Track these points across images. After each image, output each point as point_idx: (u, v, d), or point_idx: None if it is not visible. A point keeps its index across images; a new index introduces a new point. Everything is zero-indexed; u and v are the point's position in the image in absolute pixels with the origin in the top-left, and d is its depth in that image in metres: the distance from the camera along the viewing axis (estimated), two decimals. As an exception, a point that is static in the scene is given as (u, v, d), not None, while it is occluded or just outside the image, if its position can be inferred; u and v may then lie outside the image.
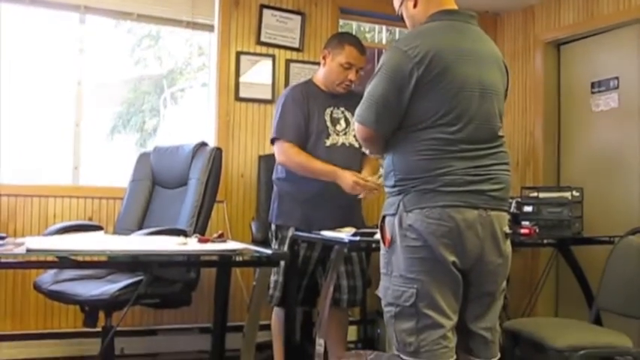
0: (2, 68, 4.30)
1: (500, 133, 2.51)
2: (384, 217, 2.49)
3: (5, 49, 4.34)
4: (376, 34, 5.59)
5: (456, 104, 2.38)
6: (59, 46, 4.50)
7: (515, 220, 3.83)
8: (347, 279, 3.56)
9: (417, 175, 2.38)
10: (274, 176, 3.69)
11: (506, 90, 2.64)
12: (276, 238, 3.62)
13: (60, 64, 4.50)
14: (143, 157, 4.08)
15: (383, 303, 2.49)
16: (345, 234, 3.11)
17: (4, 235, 2.37)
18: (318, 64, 3.71)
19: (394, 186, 2.45)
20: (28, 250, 2.20)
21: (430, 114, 2.38)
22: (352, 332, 4.63)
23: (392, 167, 2.48)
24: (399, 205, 2.40)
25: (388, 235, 2.44)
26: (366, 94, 2.48)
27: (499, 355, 2.62)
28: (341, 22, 5.08)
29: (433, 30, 2.48)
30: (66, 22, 4.50)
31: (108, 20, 4.65)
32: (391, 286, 2.43)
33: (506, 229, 2.48)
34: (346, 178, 3.35)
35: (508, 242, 2.50)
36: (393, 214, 2.42)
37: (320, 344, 3.30)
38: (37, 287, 3.42)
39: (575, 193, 3.85)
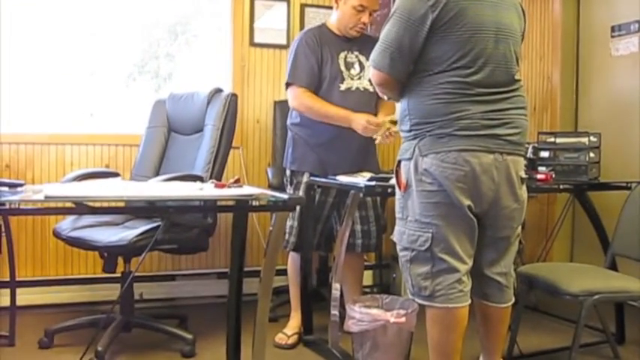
0: (18, 19, 4.28)
1: (517, 77, 2.48)
2: (399, 162, 2.49)
3: (19, 2, 4.31)
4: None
5: (472, 47, 2.35)
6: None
7: (532, 165, 3.81)
8: (361, 224, 3.58)
9: (432, 119, 2.37)
10: (288, 121, 3.69)
11: (523, 34, 2.60)
12: (291, 184, 3.64)
13: (75, 12, 4.47)
14: (158, 104, 4.08)
15: (398, 247, 2.51)
16: (361, 179, 3.11)
17: (22, 182, 2.39)
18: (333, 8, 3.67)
19: (409, 130, 2.45)
20: (47, 197, 2.22)
21: (446, 57, 2.36)
22: (368, 277, 4.66)
23: (407, 112, 2.47)
24: (414, 149, 2.40)
25: (404, 180, 2.45)
26: (380, 38, 2.46)
27: (513, 300, 2.64)
28: (356, -36, 4.99)
29: None
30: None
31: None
32: (407, 230, 2.45)
33: (522, 174, 2.48)
34: (359, 120, 3.33)
35: (524, 187, 2.50)
36: (409, 159, 2.42)
37: (336, 288, 3.33)
38: (56, 234, 3.46)
39: (592, 139, 3.82)
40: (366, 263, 3.99)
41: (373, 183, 2.96)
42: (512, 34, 2.47)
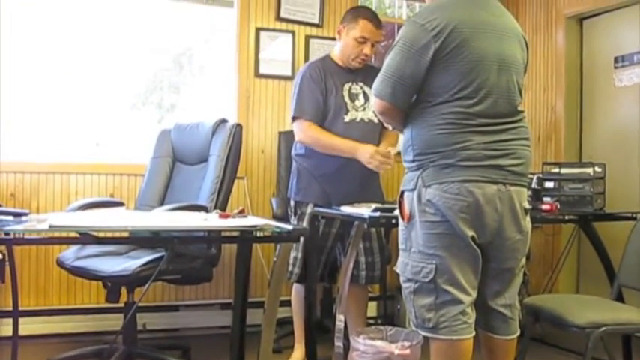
0: (24, 48, 4.31)
1: (519, 108, 2.49)
2: (402, 193, 2.49)
3: (27, 27, 4.35)
4: (396, 9, 5.54)
5: (475, 77, 2.36)
6: (80, 25, 4.50)
7: (537, 196, 3.81)
8: (365, 255, 3.56)
9: (435, 149, 2.37)
10: (293, 152, 3.69)
11: (525, 65, 2.61)
12: (294, 214, 3.63)
13: (80, 42, 4.51)
14: (164, 134, 4.09)
15: (402, 279, 2.50)
16: (366, 210, 3.11)
17: (27, 211, 2.39)
18: (337, 39, 3.70)
19: (413, 161, 2.45)
20: (51, 227, 2.22)
21: (448, 87, 2.37)
22: (372, 308, 4.64)
23: (410, 142, 2.47)
24: (417, 180, 2.40)
25: (407, 211, 2.44)
26: (383, 67, 2.47)
27: (519, 332, 2.62)
28: (360, -2, 5.04)
29: (451, 3, 2.46)
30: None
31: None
32: (410, 261, 2.44)
33: (526, 205, 2.47)
34: (365, 151, 3.34)
35: (528, 218, 2.49)
36: (412, 190, 2.41)
37: (340, 320, 3.31)
38: (60, 263, 3.45)
39: (597, 169, 3.82)
40: (370, 294, 3.97)
41: (378, 214, 2.95)
42: (514, 65, 2.48)
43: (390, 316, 4.68)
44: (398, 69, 2.41)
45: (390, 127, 2.71)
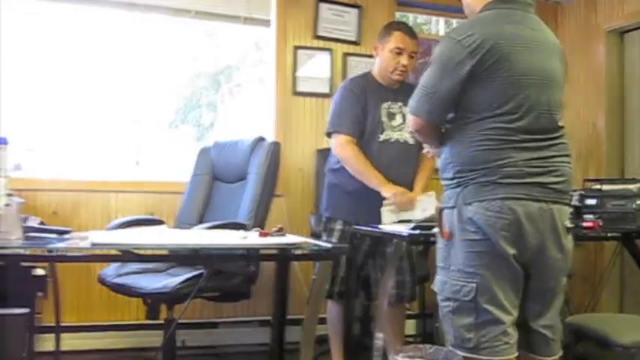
0: (66, 68, 4.40)
1: (560, 124, 2.45)
2: (441, 210, 2.46)
3: (70, 49, 4.44)
4: (433, 26, 5.54)
5: (515, 93, 2.33)
6: (120, 45, 4.58)
7: (578, 213, 3.75)
8: (395, 274, 3.54)
9: (476, 166, 2.35)
10: (327, 167, 3.70)
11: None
12: (325, 230, 3.64)
13: (120, 62, 4.58)
14: (203, 152, 4.13)
15: (440, 297, 2.46)
16: (403, 227, 3.09)
17: (69, 229, 2.43)
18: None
19: (452, 178, 2.42)
20: (93, 244, 2.25)
21: (488, 104, 2.35)
22: (411, 326, 4.61)
23: (450, 159, 2.45)
24: (457, 197, 2.37)
25: (447, 229, 2.41)
26: (419, 85, 2.46)
27: (561, 353, 2.56)
28: (397, 14, 5.04)
29: (489, 18, 2.43)
30: (125, 20, 4.57)
31: (166, 17, 4.71)
32: (449, 280, 2.40)
33: (568, 224, 2.42)
34: (390, 190, 3.36)
35: (569, 237, 2.45)
36: (452, 207, 2.39)
37: (379, 338, 3.29)
38: (101, 280, 3.49)
39: (640, 185, 3.75)
40: (408, 312, 3.94)
41: (417, 232, 2.94)
42: (556, 80, 2.45)
43: (428, 335, 4.63)
44: (434, 86, 2.40)
45: (424, 145, 2.70)
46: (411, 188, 3.50)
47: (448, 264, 2.42)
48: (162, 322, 3.45)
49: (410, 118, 2.52)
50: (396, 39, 3.51)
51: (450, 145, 2.47)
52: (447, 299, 2.42)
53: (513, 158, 2.31)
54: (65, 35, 4.48)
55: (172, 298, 3.22)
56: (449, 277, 2.41)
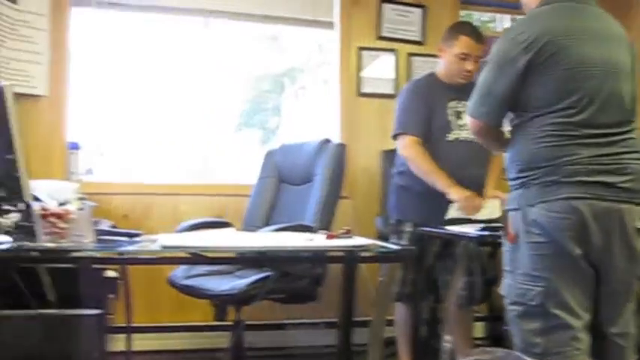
0: (135, 74, 4.49)
1: (630, 118, 2.36)
2: (506, 212, 2.41)
3: (139, 54, 4.53)
4: (498, 23, 5.46)
5: (576, 85, 2.25)
6: (186, 50, 4.66)
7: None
8: (464, 275, 3.49)
9: (537, 165, 2.27)
10: (394, 169, 3.68)
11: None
12: (394, 232, 3.61)
13: (186, 67, 4.66)
14: (270, 155, 4.16)
15: (506, 301, 2.40)
16: (472, 228, 3.05)
17: (140, 232, 2.48)
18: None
19: (516, 178, 2.36)
20: (163, 247, 2.29)
21: (547, 99, 2.27)
22: (479, 329, 4.54)
23: (512, 158, 2.40)
24: (521, 199, 2.31)
25: (512, 231, 2.35)
26: (476, 86, 2.43)
27: (635, 360, 2.48)
28: (462, 12, 4.98)
29: (544, 13, 2.37)
30: (191, 26, 4.65)
31: (231, 22, 4.76)
32: (515, 284, 2.34)
33: (638, 225, 2.33)
34: (457, 194, 3.31)
35: None
36: (516, 209, 2.33)
37: (447, 341, 3.26)
38: (171, 282, 3.55)
39: None
40: (476, 315, 3.89)
41: (486, 232, 2.89)
42: (622, 71, 2.35)
43: (497, 338, 4.55)
44: (489, 86, 2.37)
45: (485, 146, 2.66)
46: (481, 189, 3.45)
47: (514, 267, 2.36)
48: (230, 323, 3.49)
49: (468, 120, 2.49)
50: (461, 44, 3.46)
51: (512, 144, 2.42)
52: (514, 303, 2.36)
53: (577, 155, 2.23)
54: (134, 40, 4.57)
55: (240, 299, 3.26)
56: (515, 280, 2.35)
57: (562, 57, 2.26)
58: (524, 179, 2.32)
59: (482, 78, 2.41)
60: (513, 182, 2.39)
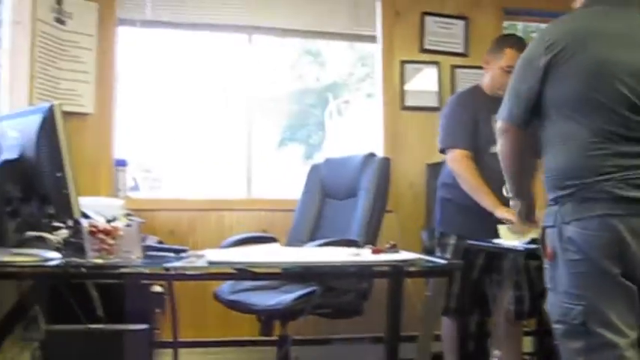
0: (179, 91, 4.55)
1: None
2: (544, 229, 2.36)
3: (181, 73, 4.59)
4: (543, 33, 5.39)
5: (599, 91, 2.17)
6: (229, 66, 4.70)
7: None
8: (513, 289, 3.44)
9: (571, 179, 2.19)
10: (440, 180, 3.66)
11: None
12: (438, 245, 3.59)
13: (230, 83, 4.70)
14: (314, 169, 4.16)
15: (551, 319, 2.35)
16: (519, 241, 3.00)
17: (186, 248, 2.49)
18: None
19: (550, 192, 2.31)
20: (210, 263, 2.30)
21: (569, 103, 2.21)
22: (528, 343, 4.46)
23: (546, 173, 2.35)
24: (556, 216, 2.25)
25: (549, 249, 2.30)
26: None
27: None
28: (505, 23, 4.95)
29: (576, 16, 2.34)
30: (235, 43, 4.69)
31: (273, 38, 4.80)
32: (557, 302, 2.28)
33: None
34: (503, 214, 3.25)
35: None
36: (552, 226, 2.28)
37: (496, 356, 3.21)
38: (217, 297, 3.57)
39: None
40: (525, 329, 3.82)
41: (534, 246, 2.84)
42: None
43: (547, 353, 4.47)
44: (514, 87, 2.35)
45: (503, 152, 2.56)
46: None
47: (554, 285, 2.30)
48: (275, 338, 3.49)
49: (497, 124, 2.46)
50: (507, 57, 3.43)
51: (543, 154, 2.38)
52: (557, 322, 2.29)
53: (611, 168, 2.15)
54: (178, 58, 4.63)
55: (286, 314, 3.27)
56: (557, 298, 2.28)
57: (583, 60, 2.19)
58: (557, 196, 2.26)
59: (510, 81, 2.40)
60: (549, 197, 2.33)
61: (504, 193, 2.69)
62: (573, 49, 2.21)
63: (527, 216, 2.71)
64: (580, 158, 2.20)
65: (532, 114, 2.34)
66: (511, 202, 2.72)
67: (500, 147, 2.50)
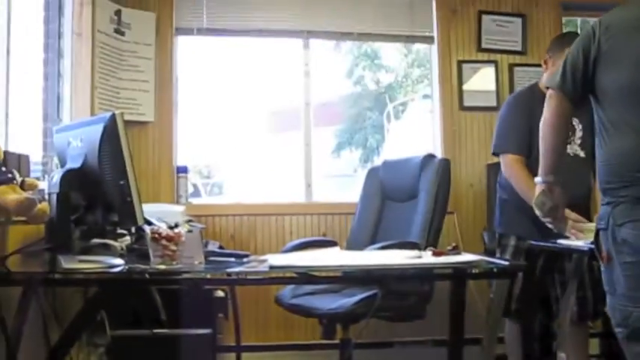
0: (237, 96, 4.60)
1: None
2: (597, 232, 2.29)
3: (238, 78, 4.64)
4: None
5: None
6: (286, 71, 4.73)
7: None
8: (576, 290, 3.36)
9: (621, 178, 2.13)
10: (498, 181, 3.61)
11: None
12: (498, 246, 3.54)
13: (288, 87, 4.72)
14: (372, 172, 4.14)
15: (613, 323, 2.29)
16: (583, 242, 2.93)
17: (248, 253, 2.51)
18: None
19: (603, 192, 2.25)
20: (271, 267, 2.31)
21: (617, 91, 2.17)
22: (594, 345, 4.37)
23: (598, 170, 2.30)
24: (609, 218, 2.18)
25: (604, 252, 2.24)
26: None
27: None
28: (564, 19, 4.85)
29: (625, 5, 2.27)
30: (291, 47, 4.71)
31: (329, 42, 4.81)
32: (617, 305, 2.21)
33: None
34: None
35: None
36: (606, 229, 2.22)
37: (562, 358, 3.15)
38: (278, 301, 3.58)
39: None
40: (591, 331, 3.74)
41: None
42: None
43: (613, 355, 4.36)
44: (567, 62, 2.33)
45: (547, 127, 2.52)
46: (584, 207, 3.32)
47: (613, 288, 2.23)
48: (337, 341, 3.48)
49: (548, 92, 2.42)
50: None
51: (597, 154, 2.32)
52: (618, 325, 2.23)
53: None
54: (235, 64, 4.68)
55: (347, 318, 3.26)
56: (615, 302, 2.21)
57: (627, 47, 2.17)
58: (610, 196, 2.19)
59: (566, 54, 2.38)
60: (602, 197, 2.27)
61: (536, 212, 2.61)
62: (615, 36, 2.19)
63: (551, 211, 2.62)
64: (629, 153, 2.15)
65: (583, 90, 2.31)
66: (537, 188, 2.62)
67: (544, 114, 2.47)
